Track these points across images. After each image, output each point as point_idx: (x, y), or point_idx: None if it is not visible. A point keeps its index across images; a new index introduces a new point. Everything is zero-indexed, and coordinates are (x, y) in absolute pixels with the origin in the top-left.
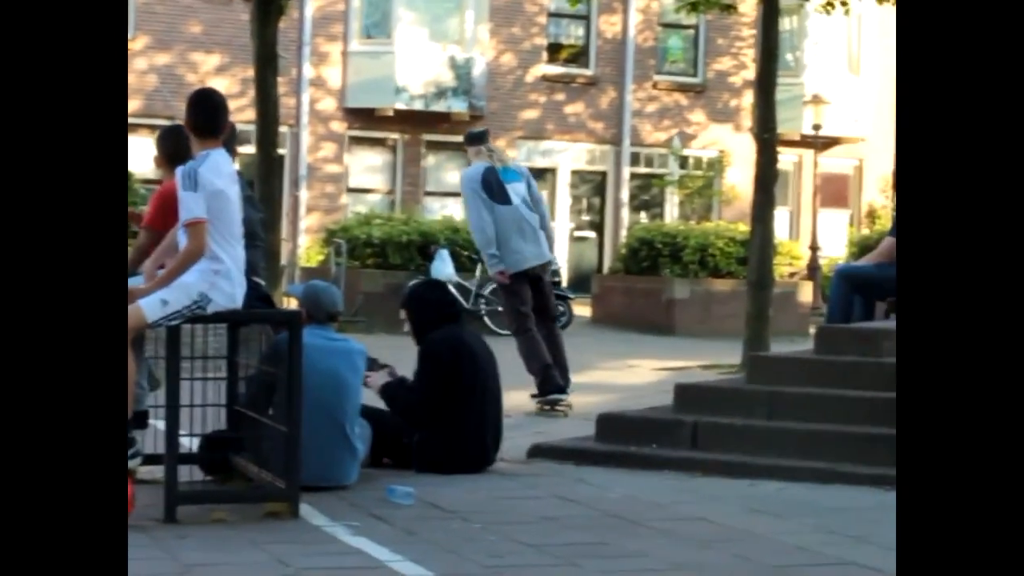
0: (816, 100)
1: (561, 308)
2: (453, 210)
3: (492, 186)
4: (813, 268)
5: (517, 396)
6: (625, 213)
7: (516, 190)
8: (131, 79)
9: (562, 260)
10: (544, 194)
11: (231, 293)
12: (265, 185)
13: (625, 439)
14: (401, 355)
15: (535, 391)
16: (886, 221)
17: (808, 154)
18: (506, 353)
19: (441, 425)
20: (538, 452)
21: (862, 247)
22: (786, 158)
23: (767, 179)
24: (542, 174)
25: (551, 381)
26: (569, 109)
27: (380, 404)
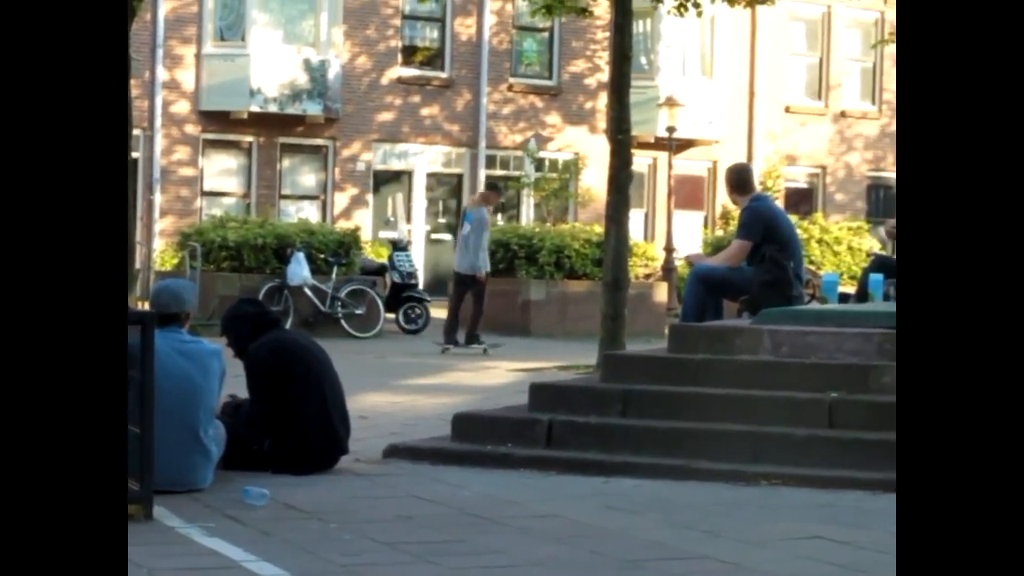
0: (670, 102)
1: (419, 310)
2: (309, 213)
3: None
4: (668, 269)
5: (374, 397)
6: None
7: None
8: None
9: (419, 263)
10: (400, 196)
11: None
12: None
13: (481, 439)
14: None
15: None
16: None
17: (663, 156)
18: (365, 355)
19: (287, 427)
20: (394, 452)
21: (716, 248)
22: (641, 160)
23: (621, 180)
24: (398, 177)
25: None
26: (425, 111)
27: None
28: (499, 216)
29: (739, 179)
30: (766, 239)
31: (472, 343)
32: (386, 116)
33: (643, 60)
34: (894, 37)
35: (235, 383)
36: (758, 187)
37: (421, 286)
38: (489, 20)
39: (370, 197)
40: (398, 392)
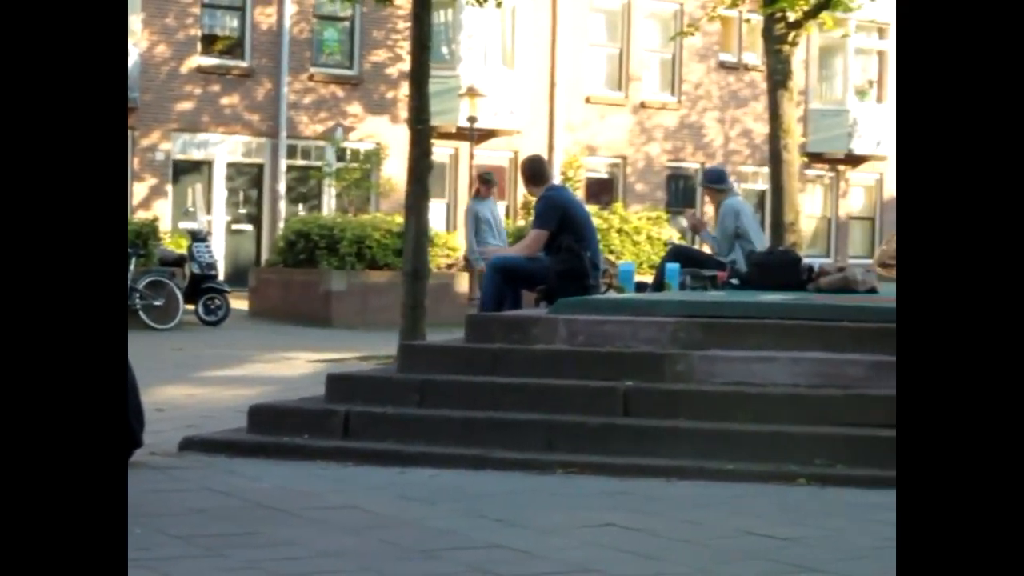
0: (471, 92)
1: (218, 302)
2: None
3: None
4: (469, 259)
5: (170, 390)
6: (282, 205)
7: None
8: None
9: (219, 254)
10: (199, 186)
11: None
12: None
13: (277, 430)
14: None
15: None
16: None
17: (464, 146)
18: (163, 347)
19: None
20: (189, 445)
21: (517, 238)
22: (442, 150)
23: (421, 170)
24: (198, 167)
25: None
26: (225, 101)
27: None
28: (300, 206)
29: (534, 170)
30: (562, 229)
31: None
32: (185, 105)
33: (444, 50)
34: (692, 29)
35: None
36: (557, 178)
37: (221, 277)
38: (290, 9)
39: (169, 187)
40: (196, 384)
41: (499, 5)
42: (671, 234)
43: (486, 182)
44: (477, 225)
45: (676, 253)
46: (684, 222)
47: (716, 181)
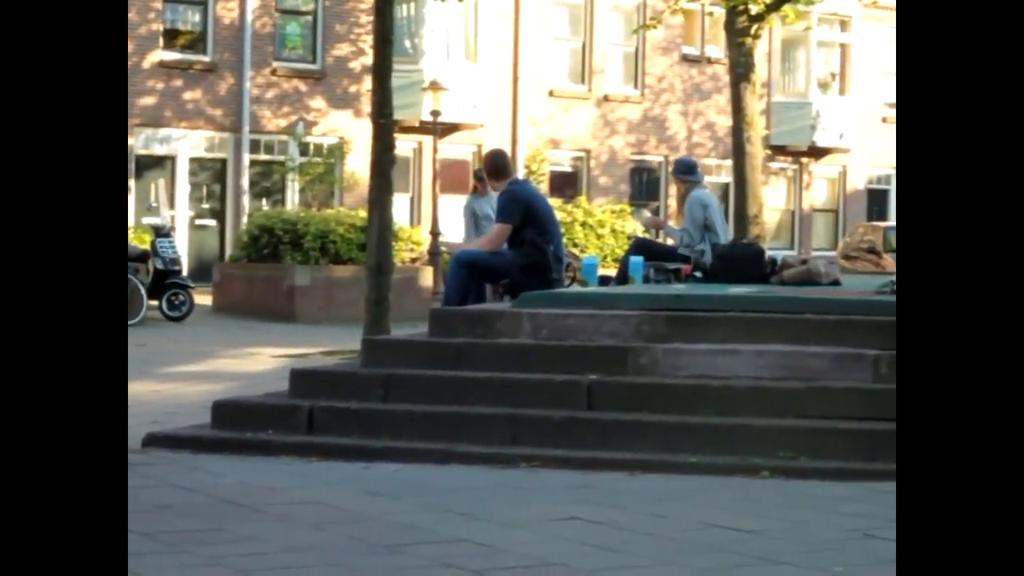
0: (434, 86)
1: (182, 297)
2: None
3: None
4: (434, 253)
5: (134, 386)
6: (246, 200)
7: None
8: None
9: (182, 249)
10: (162, 181)
11: None
12: None
13: (241, 426)
14: None
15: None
16: None
17: (428, 140)
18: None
19: None
20: (153, 441)
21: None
22: (406, 144)
23: (384, 164)
24: (161, 162)
25: None
26: (187, 96)
27: None
28: (264, 201)
29: (496, 165)
30: (526, 222)
31: None
32: (148, 100)
33: (407, 44)
34: (655, 22)
35: None
36: (521, 172)
37: (185, 273)
38: (252, 3)
39: (132, 182)
40: (159, 380)
41: None
42: (635, 227)
43: (482, 179)
44: (476, 221)
45: (639, 246)
46: (647, 214)
47: (686, 172)
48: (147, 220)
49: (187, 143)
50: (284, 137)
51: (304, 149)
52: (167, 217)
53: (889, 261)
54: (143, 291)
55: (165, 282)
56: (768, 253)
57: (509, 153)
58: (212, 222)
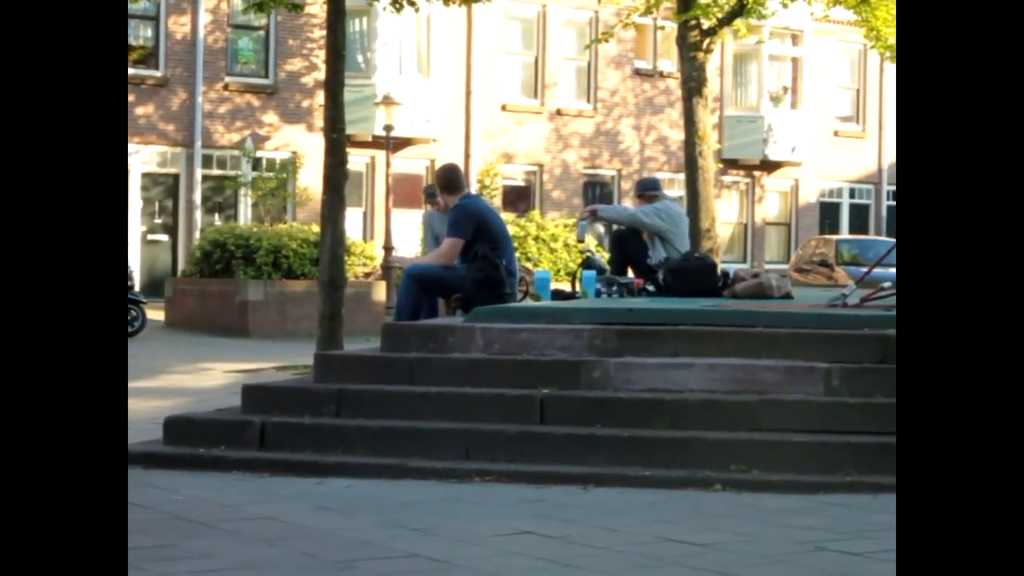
0: (387, 101)
1: (134, 312)
2: None
3: None
4: (387, 268)
5: None
6: (198, 215)
7: None
8: None
9: (134, 264)
10: None
11: None
12: None
13: (193, 441)
14: None
15: None
16: None
17: (380, 154)
18: None
19: None
20: None
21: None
22: (359, 158)
23: (336, 179)
24: None
25: None
26: (139, 111)
27: None
28: (216, 216)
29: (448, 179)
30: (477, 237)
31: None
32: None
33: (360, 58)
34: (607, 36)
35: None
36: (474, 186)
37: (137, 288)
38: (204, 18)
39: None
40: None
41: (416, 10)
42: (589, 241)
43: (432, 195)
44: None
45: (590, 262)
46: (600, 229)
47: (649, 188)
48: None
49: (139, 158)
50: (237, 152)
51: (256, 164)
52: None
53: (841, 274)
54: None
55: None
56: (720, 267)
57: (462, 167)
58: (164, 237)
